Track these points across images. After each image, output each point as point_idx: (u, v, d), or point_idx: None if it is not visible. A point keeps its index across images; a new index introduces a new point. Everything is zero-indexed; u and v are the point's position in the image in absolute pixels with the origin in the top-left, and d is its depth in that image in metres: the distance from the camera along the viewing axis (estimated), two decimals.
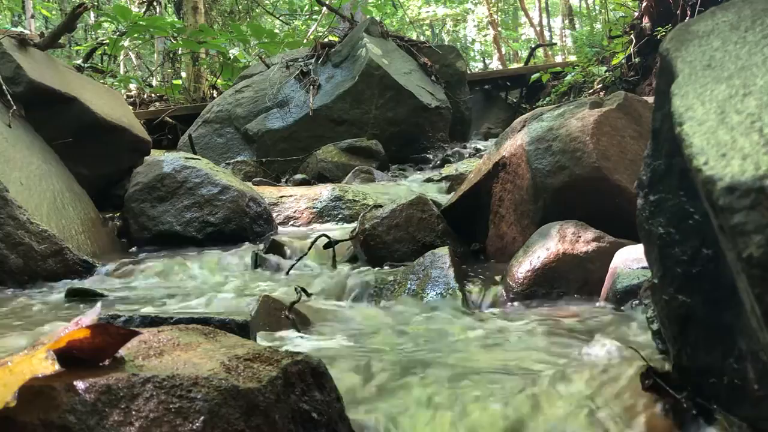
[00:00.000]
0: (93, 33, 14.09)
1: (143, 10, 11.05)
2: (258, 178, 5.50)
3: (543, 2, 19.85)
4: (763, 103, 0.83)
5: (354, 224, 3.17)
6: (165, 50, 11.88)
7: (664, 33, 5.99)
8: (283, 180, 5.87)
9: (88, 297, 2.47)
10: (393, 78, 6.52)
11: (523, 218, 2.62)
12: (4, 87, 3.51)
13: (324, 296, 2.38)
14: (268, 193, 4.19)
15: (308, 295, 2.22)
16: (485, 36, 22.21)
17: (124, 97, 7.70)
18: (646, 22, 6.84)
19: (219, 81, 10.23)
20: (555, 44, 17.46)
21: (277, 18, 15.16)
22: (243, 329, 1.51)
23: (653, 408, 1.11)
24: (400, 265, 2.72)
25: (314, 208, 3.96)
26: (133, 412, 0.79)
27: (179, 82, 10.70)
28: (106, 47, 8.81)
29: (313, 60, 7.19)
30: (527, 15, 17.82)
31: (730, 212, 0.74)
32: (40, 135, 3.68)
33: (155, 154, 4.27)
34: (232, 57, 9.83)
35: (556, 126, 2.54)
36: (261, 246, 3.31)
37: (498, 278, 2.33)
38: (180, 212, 3.63)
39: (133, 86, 10.11)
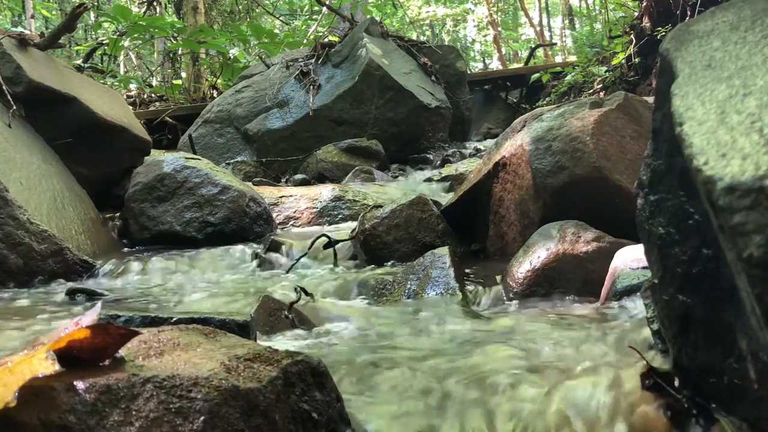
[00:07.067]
0: (93, 33, 14.09)
1: (143, 10, 11.05)
2: (258, 178, 5.50)
3: (543, 2, 19.86)
4: (763, 103, 0.83)
5: (354, 224, 3.17)
6: (165, 50, 11.87)
7: (664, 33, 5.99)
8: (283, 180, 5.87)
9: (88, 297, 2.47)
10: (393, 78, 6.52)
11: (523, 218, 2.62)
12: (4, 87, 3.51)
13: (324, 296, 2.38)
14: (268, 193, 4.19)
15: (308, 295, 2.22)
16: (485, 36, 22.22)
17: (124, 97, 7.70)
18: (646, 22, 6.84)
19: (219, 81, 10.23)
20: (555, 44, 17.47)
21: (277, 18, 15.16)
22: (243, 329, 1.50)
23: (653, 408, 1.11)
24: (400, 265, 2.73)
25: (314, 208, 3.96)
26: (133, 412, 0.79)
27: (179, 82, 10.69)
28: (106, 47, 8.80)
29: (313, 60, 7.19)
30: (527, 15, 17.82)
31: (730, 212, 0.74)
32: (40, 135, 3.68)
33: (155, 154, 4.27)
34: (232, 57, 9.83)
35: (556, 126, 2.54)
36: (261, 246, 3.31)
37: (498, 278, 2.33)
38: (180, 212, 3.63)
39: (133, 86, 10.11)
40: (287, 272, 2.79)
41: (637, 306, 1.76)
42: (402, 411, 1.17)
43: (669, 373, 1.15)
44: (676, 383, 1.12)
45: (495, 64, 20.02)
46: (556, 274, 2.10)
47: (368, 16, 8.67)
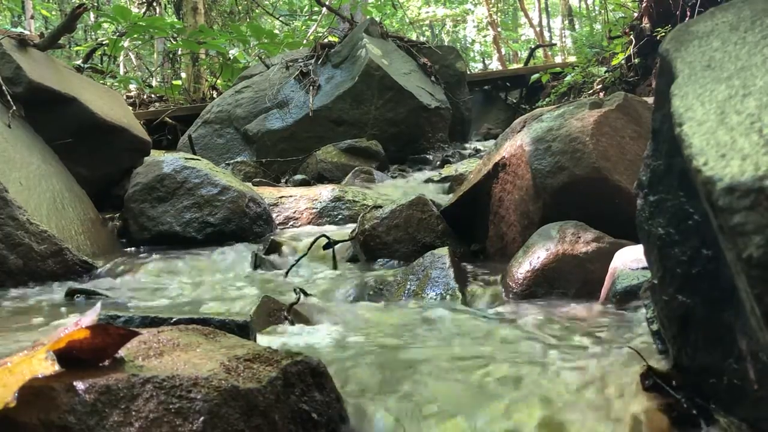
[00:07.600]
0: (93, 33, 14.10)
1: (143, 10, 11.05)
2: (258, 179, 5.49)
3: (543, 3, 19.86)
4: (763, 103, 0.83)
5: (354, 225, 3.17)
6: (165, 51, 11.88)
7: (663, 33, 5.99)
8: (283, 180, 5.86)
9: (88, 297, 2.47)
10: (393, 78, 6.52)
11: (523, 219, 2.62)
12: (4, 87, 3.50)
13: (323, 297, 2.38)
14: (267, 193, 4.19)
15: (307, 295, 2.22)
16: (485, 36, 22.22)
17: (124, 97, 7.70)
18: (645, 23, 6.84)
19: (219, 81, 10.23)
20: (555, 45, 17.47)
21: (277, 18, 15.16)
22: (243, 330, 1.50)
23: (653, 408, 1.11)
24: (400, 265, 2.73)
25: (314, 208, 3.96)
26: (133, 413, 0.79)
27: (179, 82, 10.70)
28: (105, 48, 8.80)
29: (312, 60, 7.19)
30: (527, 15, 17.83)
31: (729, 212, 0.74)
32: (40, 135, 3.68)
33: (155, 155, 4.27)
34: (231, 57, 9.83)
35: (556, 126, 2.54)
36: (261, 246, 3.31)
37: (498, 279, 2.33)
38: (180, 213, 3.63)
39: (133, 87, 10.11)
40: (287, 273, 2.79)
41: (636, 306, 1.76)
42: (402, 412, 1.17)
43: (669, 373, 1.15)
44: (676, 383, 1.12)
45: (495, 65, 20.04)
46: (555, 274, 2.10)
47: (368, 17, 8.67)
